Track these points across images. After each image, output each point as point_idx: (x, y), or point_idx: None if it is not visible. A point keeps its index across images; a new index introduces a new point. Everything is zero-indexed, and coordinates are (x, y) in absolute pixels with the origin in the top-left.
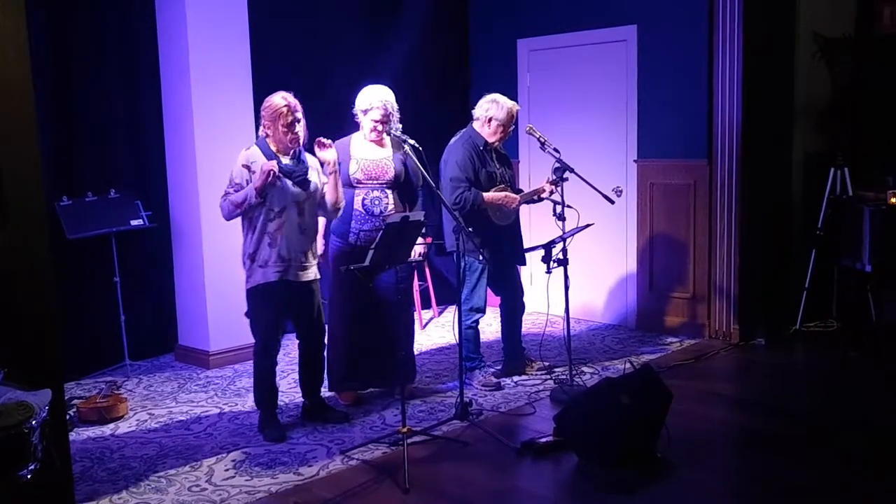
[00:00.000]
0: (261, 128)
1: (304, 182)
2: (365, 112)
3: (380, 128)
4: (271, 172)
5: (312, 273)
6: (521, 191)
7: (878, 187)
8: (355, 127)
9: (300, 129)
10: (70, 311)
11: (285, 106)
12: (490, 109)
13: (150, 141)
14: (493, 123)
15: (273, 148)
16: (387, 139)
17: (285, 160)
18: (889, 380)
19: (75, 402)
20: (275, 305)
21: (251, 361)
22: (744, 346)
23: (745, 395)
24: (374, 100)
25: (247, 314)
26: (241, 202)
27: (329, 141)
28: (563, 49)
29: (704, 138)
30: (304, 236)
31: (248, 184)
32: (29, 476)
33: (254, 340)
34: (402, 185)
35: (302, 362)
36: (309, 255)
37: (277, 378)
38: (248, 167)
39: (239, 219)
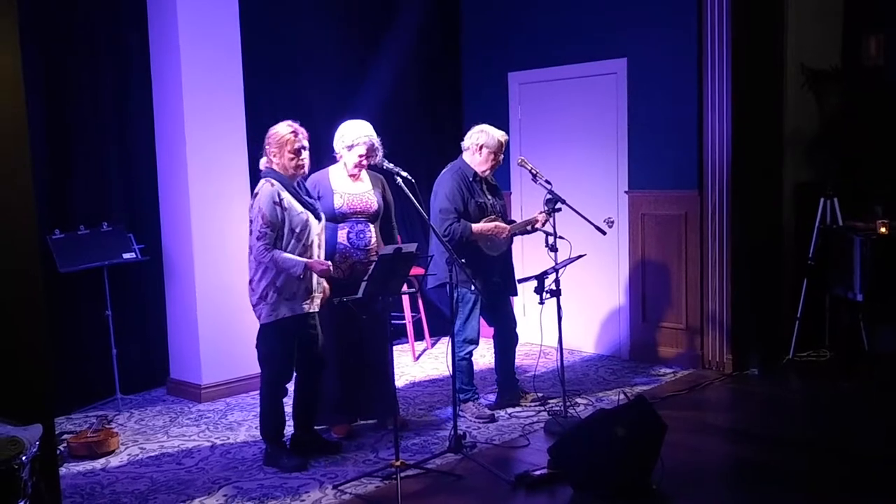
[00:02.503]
0: (263, 159)
1: (318, 215)
2: (350, 148)
3: (365, 162)
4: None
5: (319, 303)
6: (514, 221)
7: (867, 217)
8: (331, 161)
9: (306, 156)
10: (61, 344)
11: (292, 132)
12: (479, 138)
13: (143, 174)
14: (484, 151)
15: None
16: (364, 173)
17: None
18: (882, 409)
19: (66, 436)
20: (292, 337)
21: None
22: (737, 376)
23: (740, 425)
24: (359, 135)
25: (260, 348)
26: (287, 268)
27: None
28: (553, 82)
29: (695, 169)
30: None
31: (282, 222)
32: None
33: (262, 372)
34: (382, 220)
35: (300, 394)
36: (321, 285)
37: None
38: (279, 203)
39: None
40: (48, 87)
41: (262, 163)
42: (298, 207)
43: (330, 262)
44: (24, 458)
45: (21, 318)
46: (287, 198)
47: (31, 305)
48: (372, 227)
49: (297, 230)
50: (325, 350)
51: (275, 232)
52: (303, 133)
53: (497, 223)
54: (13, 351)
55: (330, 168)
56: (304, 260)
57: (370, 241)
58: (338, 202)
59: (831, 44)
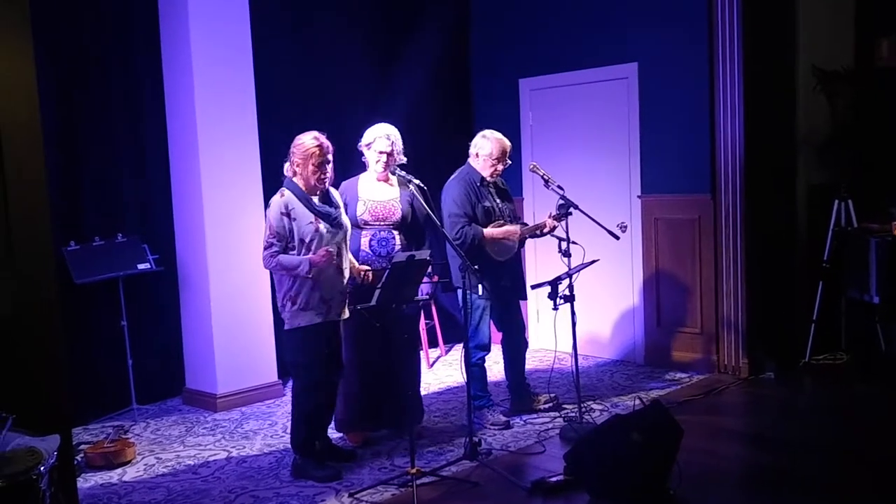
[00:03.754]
0: (287, 166)
1: (338, 224)
2: (369, 146)
3: (385, 159)
4: (331, 257)
5: (346, 312)
6: (525, 224)
7: (882, 218)
8: (361, 168)
9: (329, 170)
10: (77, 355)
11: (317, 146)
12: (477, 144)
13: (157, 185)
14: (482, 158)
15: (301, 187)
16: (393, 178)
17: (316, 200)
18: None
19: (82, 447)
20: (317, 346)
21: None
22: (753, 380)
23: (756, 429)
24: (378, 132)
25: (288, 357)
26: (291, 269)
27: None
28: (564, 87)
29: (708, 173)
30: (341, 276)
31: (289, 232)
32: None
33: (294, 383)
34: (409, 226)
35: (319, 403)
36: (345, 293)
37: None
38: (286, 214)
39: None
40: (61, 100)
41: (286, 168)
42: (309, 217)
43: (330, 249)
44: (42, 468)
45: (38, 329)
46: (298, 208)
47: (48, 317)
48: (397, 234)
49: (307, 239)
50: (346, 359)
51: (282, 242)
52: (328, 147)
53: (508, 227)
54: (30, 362)
55: (361, 175)
56: (306, 256)
57: (394, 248)
58: (360, 209)
59: (843, 45)
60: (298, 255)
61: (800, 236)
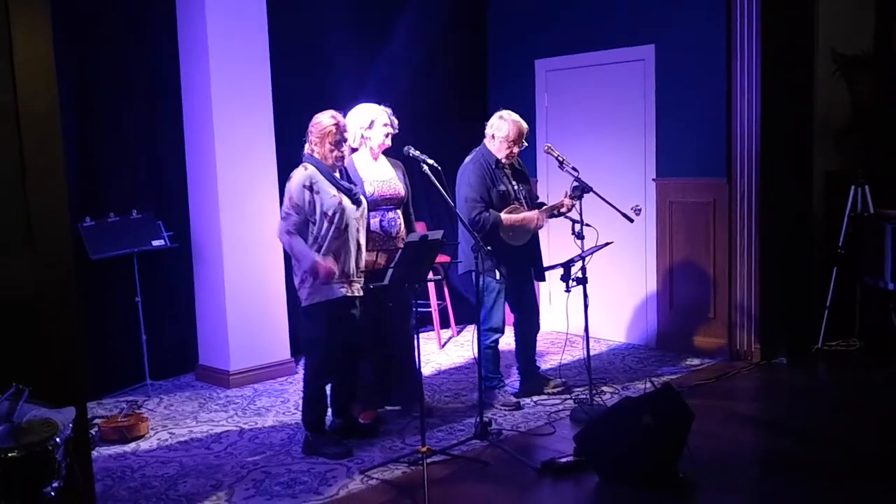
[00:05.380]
0: (307, 145)
1: (358, 200)
2: (371, 125)
3: (392, 132)
4: (333, 273)
5: (360, 289)
6: (543, 204)
7: None
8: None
9: (346, 148)
10: (92, 330)
11: (334, 125)
12: (494, 125)
13: (172, 162)
14: (498, 139)
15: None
16: (382, 157)
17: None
18: None
19: (97, 421)
20: (335, 323)
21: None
22: (765, 365)
23: (767, 415)
24: (373, 110)
25: (303, 332)
26: (297, 255)
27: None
28: (580, 69)
29: (724, 156)
30: (360, 252)
31: (308, 205)
32: (53, 493)
33: (305, 359)
34: (405, 204)
35: (344, 381)
36: (361, 271)
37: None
38: (309, 187)
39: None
40: (78, 77)
41: (306, 147)
42: (332, 191)
43: (335, 269)
44: (58, 439)
45: (55, 303)
46: (321, 182)
47: (64, 292)
48: (399, 213)
49: (330, 213)
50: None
51: (300, 215)
52: (345, 125)
53: (527, 214)
54: (47, 335)
55: (353, 156)
56: (315, 257)
57: (400, 227)
58: (369, 190)
59: (863, 29)
60: (320, 227)
61: (815, 221)
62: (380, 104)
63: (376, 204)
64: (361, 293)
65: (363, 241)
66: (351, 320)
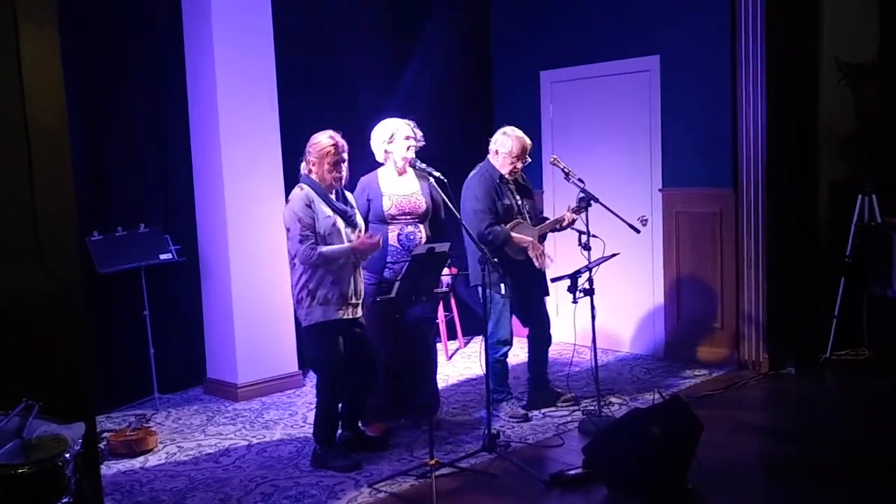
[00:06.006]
0: (303, 164)
1: (353, 223)
2: (391, 139)
3: (414, 144)
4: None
5: (359, 311)
6: (546, 219)
7: None
8: (375, 165)
9: (344, 169)
10: (100, 344)
11: (332, 145)
12: (498, 141)
13: (179, 176)
14: (502, 155)
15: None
16: (411, 171)
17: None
18: None
19: (105, 435)
20: (335, 340)
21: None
22: (774, 375)
23: (776, 425)
24: (395, 123)
25: (307, 352)
26: (336, 257)
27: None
28: (585, 80)
29: (730, 167)
30: (357, 274)
31: (313, 220)
32: None
33: (316, 376)
34: (431, 219)
35: (355, 396)
36: (360, 292)
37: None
38: (309, 206)
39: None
40: (86, 91)
41: (302, 167)
42: (328, 211)
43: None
44: (67, 455)
45: (63, 318)
46: (317, 202)
47: (73, 306)
48: (422, 227)
49: (324, 233)
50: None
51: (312, 231)
52: (343, 146)
53: (533, 241)
54: (56, 350)
55: (378, 170)
56: (349, 244)
57: (420, 242)
58: (386, 204)
59: (868, 38)
60: None
61: (822, 231)
62: (401, 118)
63: (394, 218)
64: (360, 314)
65: (361, 264)
66: (354, 339)
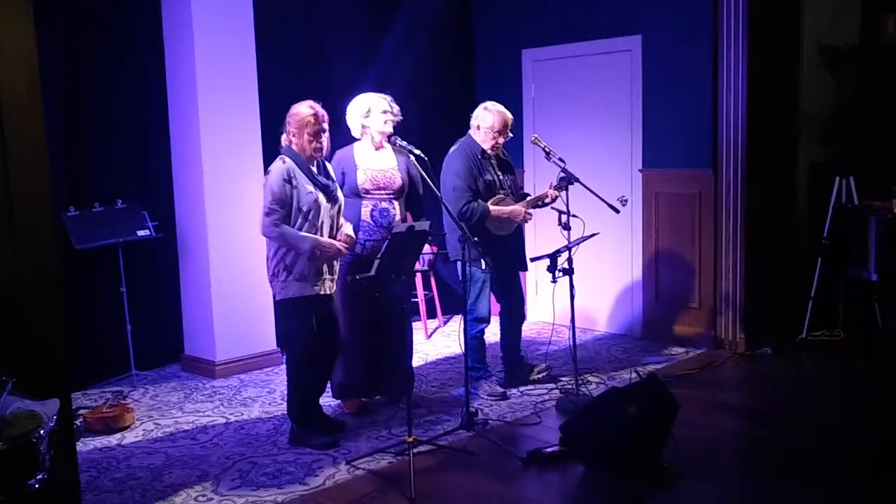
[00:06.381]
0: (284, 136)
1: (334, 198)
2: (367, 114)
3: (391, 118)
4: (339, 253)
5: (333, 286)
6: (527, 195)
7: (883, 196)
8: (351, 140)
9: (325, 139)
10: (76, 320)
11: (312, 115)
12: (479, 116)
13: (157, 152)
14: (483, 130)
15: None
16: (388, 147)
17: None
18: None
19: (81, 412)
20: (310, 317)
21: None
22: (750, 355)
23: (752, 404)
24: (371, 98)
25: (279, 327)
26: (293, 243)
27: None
28: (567, 59)
29: (710, 148)
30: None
31: (291, 199)
32: (37, 486)
33: (287, 353)
34: (407, 195)
35: (317, 371)
36: (336, 268)
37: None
38: (288, 181)
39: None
40: (62, 65)
41: (283, 139)
42: (309, 187)
43: (343, 243)
44: (42, 431)
45: (38, 294)
46: (299, 176)
47: (48, 282)
48: (396, 204)
49: (305, 209)
50: (343, 327)
51: (284, 209)
52: (323, 115)
53: (514, 207)
54: (31, 326)
55: (355, 144)
56: (313, 236)
57: (394, 218)
58: (360, 178)
59: (848, 22)
60: (295, 224)
61: (800, 213)
62: (379, 92)
63: (367, 192)
64: (334, 290)
65: (338, 238)
66: (324, 317)
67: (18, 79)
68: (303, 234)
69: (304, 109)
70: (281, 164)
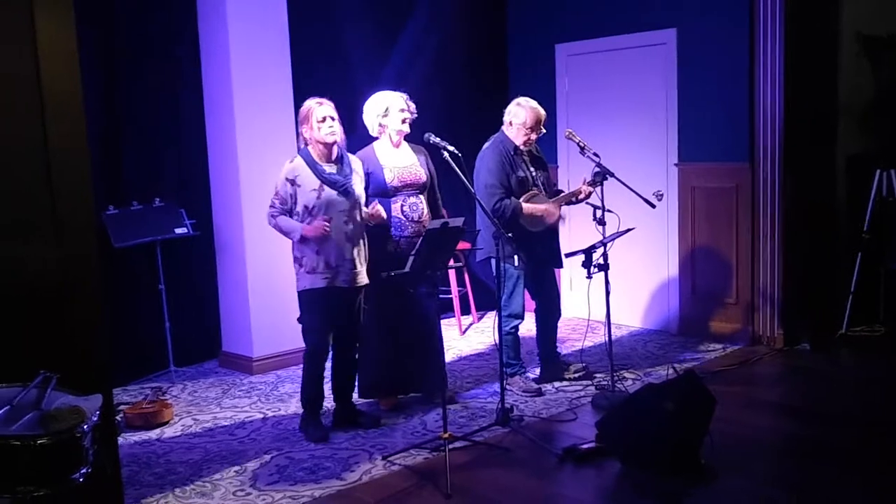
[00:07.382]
0: (300, 137)
1: (346, 192)
2: (385, 113)
3: (408, 116)
4: (324, 230)
5: (363, 279)
6: (561, 191)
7: None
8: (370, 139)
9: (335, 126)
10: (116, 317)
11: (316, 102)
12: (511, 112)
13: (194, 150)
14: (516, 126)
15: (315, 156)
16: (405, 144)
17: (329, 168)
18: None
19: (122, 407)
20: (323, 310)
21: (294, 367)
22: (788, 351)
23: (790, 401)
24: (388, 96)
25: (299, 319)
26: (286, 232)
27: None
28: (601, 53)
29: (746, 141)
30: (350, 243)
31: (291, 198)
32: (81, 479)
33: (304, 344)
34: (429, 189)
35: (338, 367)
36: (357, 262)
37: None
38: (291, 181)
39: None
40: (101, 65)
41: (300, 140)
42: (314, 185)
43: (326, 222)
44: (85, 426)
45: (81, 293)
46: (304, 175)
47: (90, 281)
48: (422, 198)
49: (310, 206)
50: (370, 324)
51: (284, 205)
52: (328, 103)
53: (547, 206)
54: (73, 324)
55: (374, 143)
56: (301, 224)
57: (423, 213)
58: (388, 176)
59: (888, 10)
60: (301, 219)
61: (839, 206)
62: (396, 90)
63: (396, 190)
64: (362, 283)
65: (359, 232)
66: (342, 309)
67: (61, 80)
68: (293, 223)
69: (308, 101)
70: (288, 164)
